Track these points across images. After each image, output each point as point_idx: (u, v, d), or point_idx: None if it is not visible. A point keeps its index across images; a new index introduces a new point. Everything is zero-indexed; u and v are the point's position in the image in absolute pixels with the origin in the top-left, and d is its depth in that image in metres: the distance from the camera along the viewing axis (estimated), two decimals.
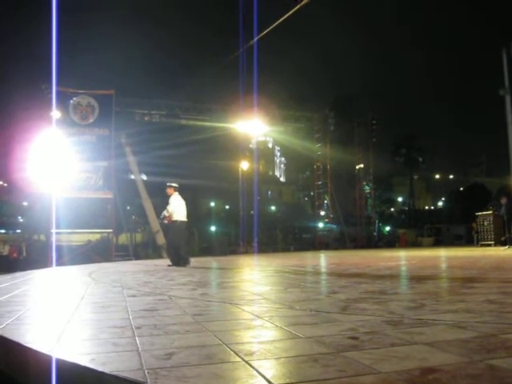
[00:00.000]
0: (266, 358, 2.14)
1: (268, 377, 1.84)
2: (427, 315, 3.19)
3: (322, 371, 1.89)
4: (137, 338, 2.65)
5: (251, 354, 2.22)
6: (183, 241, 12.40)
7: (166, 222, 12.33)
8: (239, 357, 2.16)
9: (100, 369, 2.00)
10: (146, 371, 1.95)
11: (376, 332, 2.66)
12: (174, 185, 12.50)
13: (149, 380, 1.83)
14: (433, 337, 2.47)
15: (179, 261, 11.87)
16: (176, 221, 12.06)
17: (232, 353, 2.25)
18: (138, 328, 2.99)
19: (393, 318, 3.10)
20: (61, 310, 4.21)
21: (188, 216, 12.48)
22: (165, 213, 12.21)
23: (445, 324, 2.84)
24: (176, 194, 12.32)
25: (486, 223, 25.87)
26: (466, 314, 3.21)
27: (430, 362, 1.96)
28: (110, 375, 1.92)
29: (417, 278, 6.55)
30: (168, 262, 12.46)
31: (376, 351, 2.19)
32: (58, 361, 2.20)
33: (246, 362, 2.07)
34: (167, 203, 12.32)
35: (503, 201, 21.96)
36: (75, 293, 5.81)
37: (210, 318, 3.44)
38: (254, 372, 1.92)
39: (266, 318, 3.28)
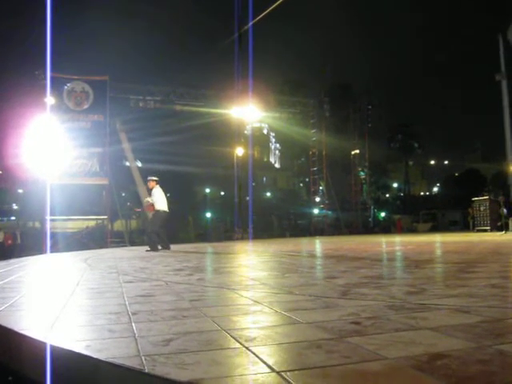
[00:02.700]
0: (266, 344, 2.07)
1: (270, 363, 1.77)
2: (429, 300, 3.14)
3: (326, 357, 1.83)
4: (133, 324, 2.58)
5: (251, 339, 2.15)
6: (163, 228, 12.95)
7: (149, 211, 13.29)
8: (239, 343, 2.09)
9: (95, 356, 1.93)
10: (143, 358, 1.88)
11: (378, 317, 2.59)
12: (154, 178, 13.22)
13: (146, 367, 1.76)
14: (437, 322, 2.41)
15: (157, 245, 12.51)
16: (158, 210, 12.72)
17: (231, 339, 2.18)
18: (134, 314, 2.92)
19: (394, 303, 3.04)
20: (56, 296, 4.14)
21: (169, 205, 13.05)
22: (149, 199, 12.96)
23: (448, 309, 2.78)
24: (157, 186, 13.00)
25: (482, 208, 25.96)
26: (469, 298, 3.16)
27: (438, 348, 1.89)
28: (105, 362, 1.85)
29: (415, 263, 6.50)
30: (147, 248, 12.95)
31: (380, 336, 2.13)
32: (52, 347, 2.13)
33: (247, 348, 2.01)
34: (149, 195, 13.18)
35: (501, 199, 22.37)
36: (70, 279, 5.74)
37: (207, 303, 3.37)
38: (256, 358, 1.85)
39: (265, 304, 3.22)
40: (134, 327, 2.50)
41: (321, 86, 40.02)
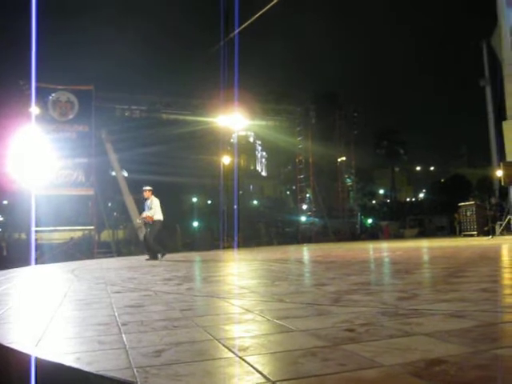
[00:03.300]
0: (260, 353, 2.04)
1: (265, 373, 1.73)
2: (422, 305, 3.12)
3: (321, 365, 1.79)
4: (123, 335, 2.53)
5: (245, 349, 2.11)
6: (161, 237, 13.48)
7: (147, 221, 13.26)
8: (232, 352, 2.06)
9: (86, 369, 1.88)
10: (135, 370, 1.83)
11: (372, 323, 2.57)
12: (149, 188, 13.45)
13: (138, 379, 1.71)
14: (432, 327, 2.39)
15: (157, 254, 12.69)
16: (158, 220, 12.92)
17: (224, 348, 2.15)
18: (124, 325, 2.87)
19: (387, 309, 3.02)
20: (43, 308, 4.07)
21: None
22: (148, 213, 12.98)
23: (442, 314, 2.77)
24: (153, 196, 13.24)
25: (468, 213, 26.07)
26: (462, 303, 3.14)
27: (434, 354, 1.87)
28: (96, 375, 1.80)
29: (405, 269, 6.49)
30: (145, 257, 13.16)
31: (375, 343, 2.10)
32: (41, 361, 2.08)
33: (240, 357, 1.97)
34: (143, 205, 13.56)
35: (494, 200, 22.61)
36: (58, 290, 5.67)
37: (198, 312, 3.33)
38: (250, 368, 1.81)
39: (257, 312, 3.18)
40: (125, 338, 2.46)
41: (306, 94, 40.15)
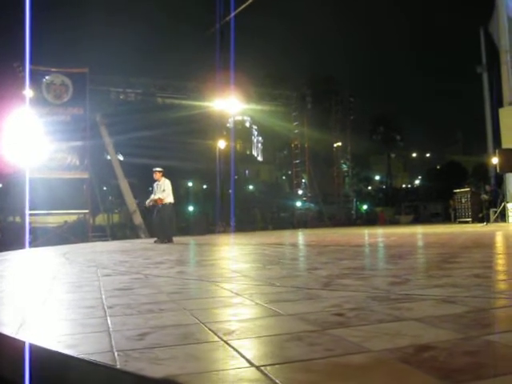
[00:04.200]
0: (246, 337, 1.99)
1: (249, 357, 1.68)
2: (413, 290, 3.07)
3: (307, 350, 1.74)
4: (108, 318, 2.48)
5: (230, 333, 2.06)
6: (172, 220, 13.15)
7: (157, 204, 12.83)
8: (217, 336, 2.00)
9: (66, 351, 1.83)
10: (116, 353, 1.78)
11: (362, 308, 2.52)
12: (160, 169, 13.00)
13: (118, 363, 1.66)
14: (423, 312, 2.34)
15: (165, 238, 12.54)
16: (170, 203, 12.76)
17: (210, 332, 2.09)
18: (110, 308, 2.82)
19: (378, 294, 2.97)
20: (31, 290, 4.02)
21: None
22: (159, 196, 12.68)
23: (433, 299, 2.72)
24: (164, 178, 12.87)
25: (463, 200, 26.12)
26: (454, 288, 3.10)
27: (424, 339, 1.82)
28: (76, 358, 1.74)
29: (398, 254, 6.45)
30: (153, 239, 13.28)
31: (364, 328, 2.05)
32: (20, 343, 2.03)
33: (225, 341, 1.91)
34: (153, 187, 13.10)
35: (488, 188, 22.79)
36: (48, 273, 5.62)
37: (186, 296, 3.28)
38: (234, 352, 1.76)
39: (246, 296, 3.13)
40: (109, 321, 2.40)
41: (303, 79, 39.95)
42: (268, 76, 45.27)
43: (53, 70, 25.65)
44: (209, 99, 30.61)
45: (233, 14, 18.21)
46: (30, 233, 21.60)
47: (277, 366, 1.59)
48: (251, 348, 1.84)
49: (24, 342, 2.03)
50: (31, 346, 1.99)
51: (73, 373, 1.73)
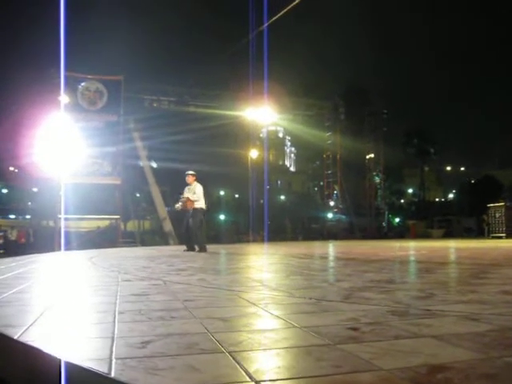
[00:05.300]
0: (252, 350, 1.89)
1: (251, 371, 1.58)
2: (436, 306, 2.93)
3: (314, 366, 1.64)
4: (116, 324, 2.41)
5: (237, 344, 1.97)
6: (202, 228, 12.54)
7: (187, 208, 12.27)
8: (222, 347, 1.91)
9: (63, 357, 1.76)
10: (113, 361, 1.71)
11: (379, 323, 2.40)
12: (193, 173, 12.63)
13: (113, 371, 1.59)
14: (443, 329, 2.21)
15: (204, 246, 12.20)
16: (201, 208, 12.23)
17: (216, 342, 2.00)
18: (120, 313, 2.76)
19: (398, 308, 2.85)
20: (48, 293, 4.00)
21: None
22: (189, 196, 12.18)
23: (456, 316, 2.58)
24: (196, 182, 12.49)
25: (497, 215, 25.62)
26: (479, 305, 2.95)
27: (440, 359, 1.70)
28: (70, 364, 1.67)
29: (426, 268, 6.28)
30: (182, 246, 12.79)
31: (378, 344, 1.94)
32: (23, 346, 1.98)
33: (229, 353, 1.82)
34: (183, 191, 12.58)
35: None
36: (69, 276, 5.61)
37: (201, 304, 3.20)
38: (236, 365, 1.66)
39: (262, 306, 3.04)
40: (116, 327, 2.34)
41: (336, 88, 39.77)
42: (301, 85, 45.21)
43: (88, 76, 26.06)
44: (241, 108, 30.66)
45: (266, 25, 18.20)
46: (64, 237, 21.83)
47: (278, 381, 1.49)
48: (255, 361, 1.74)
49: (23, 344, 1.98)
50: (29, 349, 1.93)
51: (66, 378, 1.66)
